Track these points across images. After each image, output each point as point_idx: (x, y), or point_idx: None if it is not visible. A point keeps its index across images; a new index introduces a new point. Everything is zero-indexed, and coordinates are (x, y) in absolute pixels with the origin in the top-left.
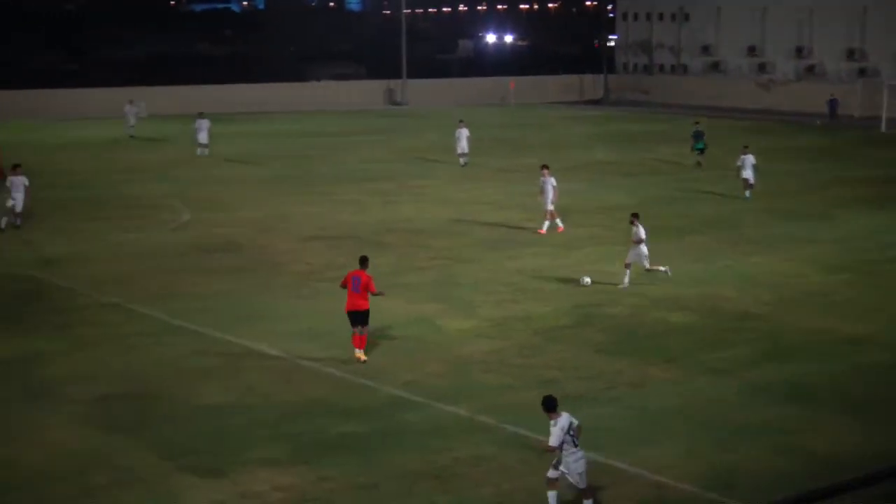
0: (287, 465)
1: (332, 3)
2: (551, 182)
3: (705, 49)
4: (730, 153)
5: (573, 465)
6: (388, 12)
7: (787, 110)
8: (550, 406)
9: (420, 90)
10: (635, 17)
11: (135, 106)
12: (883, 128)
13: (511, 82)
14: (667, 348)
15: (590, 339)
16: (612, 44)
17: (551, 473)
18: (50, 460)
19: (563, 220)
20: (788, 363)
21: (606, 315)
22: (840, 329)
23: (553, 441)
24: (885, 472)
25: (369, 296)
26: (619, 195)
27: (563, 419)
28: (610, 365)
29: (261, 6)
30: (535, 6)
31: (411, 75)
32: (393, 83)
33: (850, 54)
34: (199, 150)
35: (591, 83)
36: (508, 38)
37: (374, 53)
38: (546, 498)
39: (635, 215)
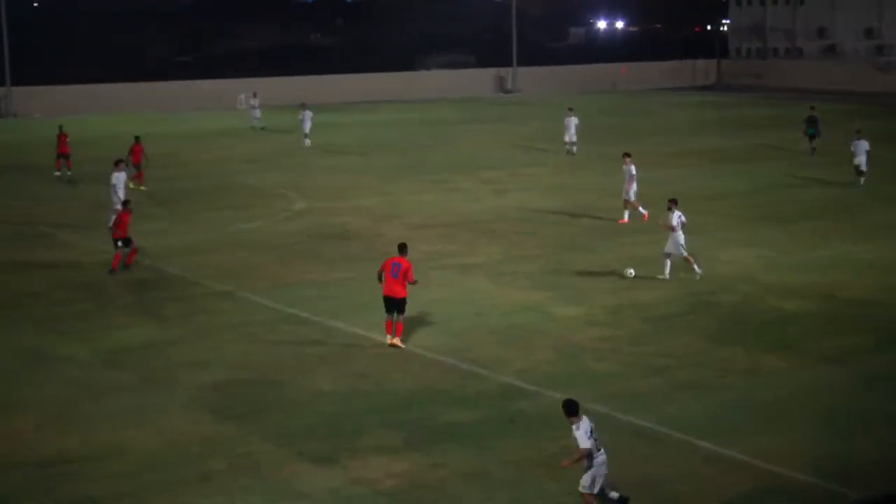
0: (400, 452)
1: None
2: (630, 171)
3: (821, 32)
4: (844, 138)
5: (601, 468)
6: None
7: None
8: (572, 410)
9: (530, 77)
10: (749, 1)
11: (258, 98)
12: None
13: (623, 68)
14: (781, 336)
15: (702, 327)
16: (725, 28)
17: (587, 487)
18: (168, 446)
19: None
20: None
21: (719, 303)
22: None
23: (584, 444)
24: None
25: (407, 284)
26: (733, 181)
27: (585, 423)
28: (722, 353)
29: None
30: None
31: (521, 63)
32: (503, 71)
33: None
34: (305, 141)
35: (703, 68)
36: (619, 24)
37: (486, 40)
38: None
39: (673, 201)
